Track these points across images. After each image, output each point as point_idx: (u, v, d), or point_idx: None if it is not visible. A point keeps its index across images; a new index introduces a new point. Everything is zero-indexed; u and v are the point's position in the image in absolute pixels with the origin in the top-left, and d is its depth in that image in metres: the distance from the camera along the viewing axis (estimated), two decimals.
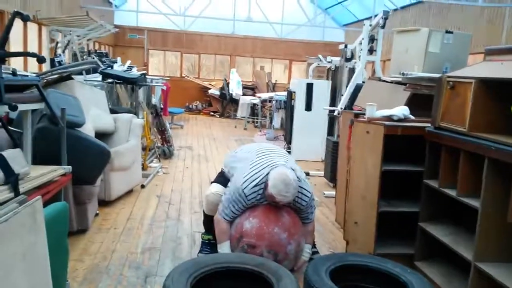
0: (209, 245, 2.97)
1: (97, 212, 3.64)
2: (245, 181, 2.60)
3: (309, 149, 6.50)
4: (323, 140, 6.50)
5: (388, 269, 2.25)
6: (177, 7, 12.09)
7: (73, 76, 4.11)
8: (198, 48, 14.18)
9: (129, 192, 4.32)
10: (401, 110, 2.99)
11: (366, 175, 3.04)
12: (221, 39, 14.05)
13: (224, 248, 2.65)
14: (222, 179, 2.93)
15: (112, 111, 4.62)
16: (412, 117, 3.03)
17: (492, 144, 2.11)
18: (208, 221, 2.91)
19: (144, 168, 5.22)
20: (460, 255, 2.34)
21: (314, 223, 2.94)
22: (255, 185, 2.59)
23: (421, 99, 3.25)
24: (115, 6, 10.69)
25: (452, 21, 8.54)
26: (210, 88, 13.19)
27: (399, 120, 2.96)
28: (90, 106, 4.05)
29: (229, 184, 2.76)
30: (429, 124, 2.75)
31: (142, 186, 4.56)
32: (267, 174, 2.59)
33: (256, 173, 2.63)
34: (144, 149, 5.36)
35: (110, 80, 5.20)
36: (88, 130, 3.68)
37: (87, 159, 3.14)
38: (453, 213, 2.73)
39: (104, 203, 3.87)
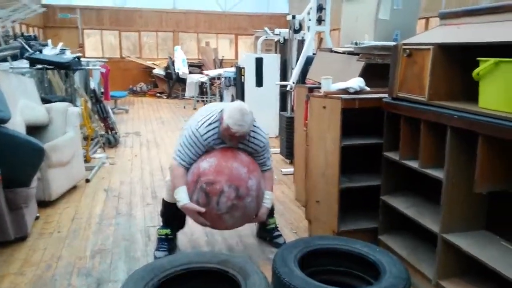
0: (167, 241, 2.74)
1: (37, 215, 3.29)
2: (199, 121, 2.49)
3: (263, 126, 6.33)
4: (276, 116, 6.38)
5: (357, 250, 2.16)
6: None
7: None
8: (137, 25, 13.40)
9: (73, 188, 3.96)
10: (357, 82, 2.87)
11: (325, 151, 2.93)
12: (162, 15, 13.35)
13: (180, 193, 2.44)
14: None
15: (45, 101, 4.18)
16: (368, 89, 2.93)
17: (454, 112, 2.03)
18: (168, 210, 2.71)
19: (87, 160, 4.85)
20: (425, 227, 2.30)
21: (273, 173, 2.81)
22: (210, 124, 2.48)
23: (375, 69, 3.15)
24: None
25: None
26: (154, 68, 12.59)
27: (356, 92, 2.84)
28: (17, 97, 3.62)
29: (183, 128, 2.61)
30: (386, 95, 2.65)
31: (87, 181, 4.21)
32: (221, 111, 2.47)
33: (210, 113, 2.54)
34: (85, 139, 4.96)
35: (39, 66, 4.69)
36: (17, 124, 3.28)
37: (17, 159, 2.78)
38: (415, 185, 2.69)
39: (44, 204, 3.51)
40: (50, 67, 4.72)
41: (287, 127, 4.98)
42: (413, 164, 2.39)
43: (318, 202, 3.02)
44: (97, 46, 13.63)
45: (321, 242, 2.26)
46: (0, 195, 2.69)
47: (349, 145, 2.77)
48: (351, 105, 2.75)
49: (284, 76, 5.99)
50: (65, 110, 4.02)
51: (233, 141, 2.47)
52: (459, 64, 2.18)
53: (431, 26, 7.87)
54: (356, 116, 2.89)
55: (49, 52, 6.63)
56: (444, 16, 2.48)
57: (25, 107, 3.65)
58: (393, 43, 3.21)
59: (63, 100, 4.38)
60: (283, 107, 5.87)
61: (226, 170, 2.41)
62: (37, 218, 3.27)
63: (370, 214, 2.93)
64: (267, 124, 6.49)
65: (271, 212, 2.92)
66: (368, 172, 3.02)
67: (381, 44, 3.16)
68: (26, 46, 6.49)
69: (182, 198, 2.42)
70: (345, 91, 2.85)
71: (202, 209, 2.40)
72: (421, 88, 2.27)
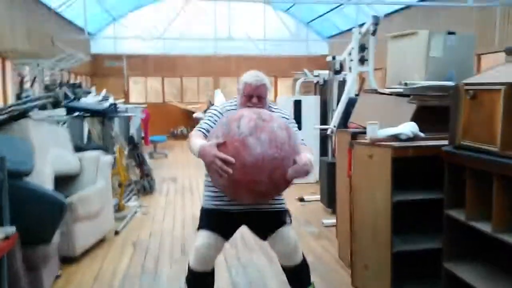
0: None
1: (59, 273, 3.07)
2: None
3: None
4: (316, 160, 6.03)
5: None
6: (156, 31, 11.68)
7: (30, 114, 3.59)
8: (180, 71, 13.73)
9: (100, 241, 3.75)
10: (409, 127, 2.52)
11: (374, 208, 2.54)
12: (204, 60, 13.62)
13: (196, 143, 2.02)
14: (207, 218, 2.24)
15: (79, 149, 4.08)
16: (422, 135, 2.56)
17: None
18: (193, 279, 2.23)
19: (120, 209, 4.67)
20: None
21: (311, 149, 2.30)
22: (229, 101, 2.36)
23: (429, 112, 2.78)
24: (88, 33, 10.22)
25: (441, 25, 8.21)
26: (194, 112, 12.70)
27: (408, 139, 2.48)
28: (48, 147, 3.52)
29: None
30: (446, 142, 2.27)
31: (116, 233, 3.99)
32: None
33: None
34: (120, 186, 4.81)
35: (77, 114, 4.67)
36: (45, 175, 3.15)
37: (36, 214, 2.60)
38: (485, 251, 2.22)
39: (68, 260, 3.29)
40: (87, 115, 4.70)
41: (328, 173, 4.61)
42: (484, 227, 1.96)
43: (367, 266, 2.60)
44: (142, 92, 14.06)
45: None
46: (16, 254, 2.48)
47: (403, 201, 2.38)
48: (404, 154, 2.38)
49: (324, 118, 5.69)
50: (97, 158, 3.90)
51: (254, 100, 2.17)
52: None
53: (484, 64, 7.37)
54: (409, 167, 2.51)
55: (91, 99, 6.74)
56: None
57: (56, 157, 3.54)
58: (449, 83, 2.87)
59: (97, 148, 4.28)
60: (323, 151, 5.52)
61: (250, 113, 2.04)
62: (58, 277, 3.04)
63: (429, 284, 2.47)
64: None
65: (307, 278, 2.34)
66: (423, 231, 2.58)
67: (435, 84, 2.80)
68: (69, 94, 6.65)
69: (199, 143, 2.01)
70: (396, 137, 2.49)
71: (222, 155, 1.87)
72: (492, 135, 1.88)
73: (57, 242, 2.92)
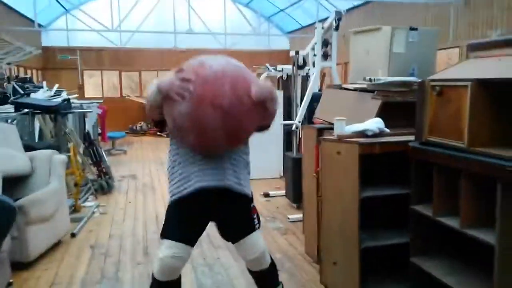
0: None
1: (10, 281, 2.84)
2: None
3: (266, 166, 5.93)
4: (280, 155, 6.01)
5: None
6: (111, 23, 11.20)
7: None
8: (138, 65, 13.31)
9: (56, 245, 3.53)
10: (375, 123, 2.51)
11: (342, 204, 2.52)
12: (163, 54, 13.26)
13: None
14: (172, 224, 2.06)
15: (29, 148, 3.82)
16: (388, 130, 2.56)
17: (506, 163, 1.64)
18: None
19: (76, 209, 4.44)
20: None
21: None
22: None
23: (394, 107, 2.80)
24: (39, 25, 9.64)
25: (398, 21, 8.41)
26: None
27: (374, 135, 2.47)
28: None
29: None
30: (412, 138, 2.28)
31: (73, 235, 3.77)
32: None
33: None
34: (75, 186, 4.56)
35: (26, 111, 4.37)
36: None
37: None
38: (451, 245, 2.26)
39: (21, 266, 3.07)
40: (38, 111, 4.40)
41: (294, 168, 4.59)
42: (452, 222, 1.98)
43: (336, 264, 2.58)
44: (98, 86, 13.51)
45: None
46: None
47: (370, 196, 2.37)
48: (371, 151, 2.37)
49: (288, 113, 5.66)
50: (50, 158, 3.65)
51: None
52: (504, 103, 1.81)
53: (439, 59, 7.61)
54: (375, 163, 2.51)
55: (43, 94, 6.36)
56: (476, 48, 2.14)
57: (3, 157, 3.29)
58: (413, 79, 2.90)
59: (49, 146, 4.02)
60: (288, 146, 5.50)
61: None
62: (9, 284, 2.82)
63: (397, 278, 2.49)
64: (271, 164, 6.12)
65: (275, 278, 2.28)
66: (393, 227, 2.59)
67: (399, 80, 2.82)
68: (19, 89, 6.24)
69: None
70: (362, 134, 2.48)
71: (181, 75, 1.84)
72: (459, 132, 1.89)
73: (7, 248, 2.70)
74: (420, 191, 2.23)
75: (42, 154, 3.67)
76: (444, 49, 7.22)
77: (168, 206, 2.12)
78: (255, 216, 2.16)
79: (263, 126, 2.10)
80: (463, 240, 1.99)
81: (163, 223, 2.10)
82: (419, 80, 2.22)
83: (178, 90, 1.81)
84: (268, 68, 6.91)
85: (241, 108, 1.84)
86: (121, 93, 13.42)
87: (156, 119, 2.05)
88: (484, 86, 1.80)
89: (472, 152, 1.82)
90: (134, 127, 12.50)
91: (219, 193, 2.02)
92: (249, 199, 2.14)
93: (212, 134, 1.85)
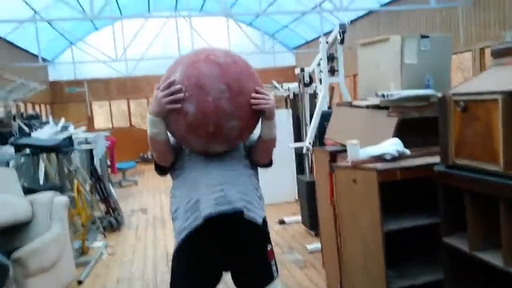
0: None
1: None
2: None
3: (279, 190, 5.67)
4: (293, 178, 5.75)
5: None
6: (116, 53, 11.22)
7: None
8: (145, 92, 13.29)
9: None
10: (393, 145, 2.26)
11: (362, 238, 2.26)
12: None
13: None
14: (179, 281, 1.82)
15: (30, 191, 3.65)
16: (407, 152, 2.30)
17: None
18: None
19: (84, 252, 4.23)
20: None
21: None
22: None
23: (411, 124, 2.54)
24: (44, 60, 9.69)
25: (405, 29, 8.18)
26: None
27: (393, 159, 2.22)
28: None
29: None
30: (435, 159, 2.02)
31: (79, 283, 3.55)
32: None
33: None
34: (82, 226, 4.37)
35: (28, 152, 4.23)
36: None
37: None
38: (494, 283, 1.97)
39: None
40: (38, 151, 4.25)
41: (308, 193, 4.33)
42: (493, 259, 1.70)
43: None
44: (107, 116, 13.52)
45: None
46: None
47: (395, 230, 2.11)
48: (391, 177, 2.11)
49: (298, 133, 5.43)
50: (50, 200, 3.47)
51: None
52: None
53: (452, 65, 7.33)
54: (395, 189, 2.25)
55: (48, 131, 6.25)
56: (500, 53, 1.89)
57: (1, 205, 3.11)
58: (430, 91, 2.65)
59: (51, 188, 3.85)
60: (300, 168, 5.25)
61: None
62: None
63: None
64: (284, 187, 5.85)
65: None
66: (420, 260, 2.32)
67: (415, 93, 2.57)
68: (25, 127, 6.15)
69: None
70: (380, 158, 2.23)
71: (163, 84, 1.74)
72: (491, 153, 1.63)
73: None
74: (451, 220, 1.96)
75: (42, 197, 3.49)
76: (455, 53, 6.94)
77: (174, 252, 1.88)
78: (273, 262, 1.90)
79: (265, 164, 2.10)
80: (507, 278, 1.71)
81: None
82: (439, 94, 1.97)
83: (170, 98, 1.69)
84: (275, 86, 6.69)
85: (238, 69, 1.73)
86: (130, 122, 13.39)
87: (163, 162, 1.92)
88: None
89: (510, 177, 1.56)
90: (145, 156, 12.38)
91: (230, 222, 1.77)
92: (265, 234, 1.89)
93: (215, 94, 1.66)
